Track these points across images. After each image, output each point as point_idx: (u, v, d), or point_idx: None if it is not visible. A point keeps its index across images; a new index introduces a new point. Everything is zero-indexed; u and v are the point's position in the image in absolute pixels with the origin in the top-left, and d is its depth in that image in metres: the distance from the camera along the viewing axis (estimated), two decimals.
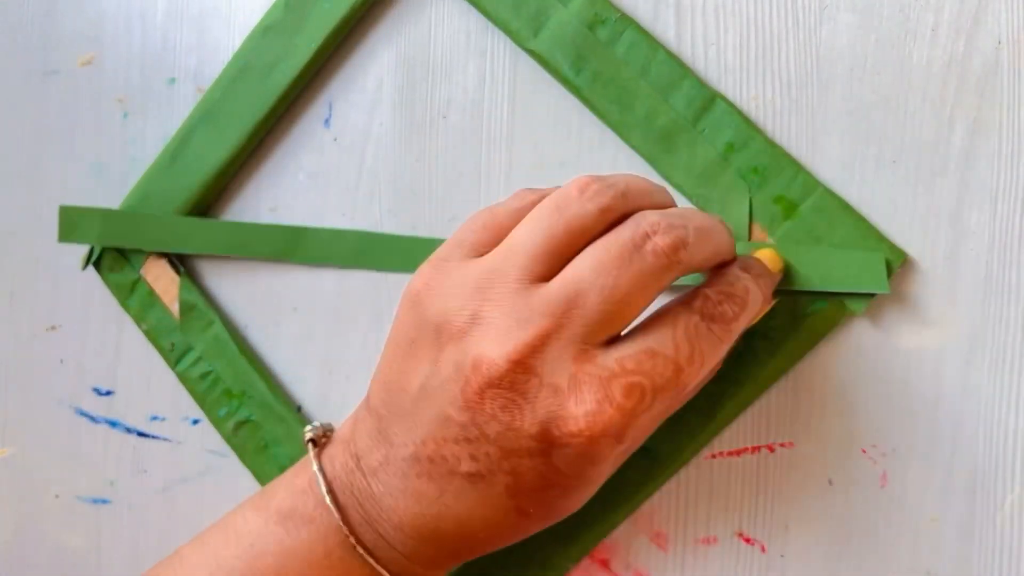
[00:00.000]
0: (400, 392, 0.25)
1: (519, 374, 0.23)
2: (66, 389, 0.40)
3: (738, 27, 0.31)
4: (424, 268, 0.26)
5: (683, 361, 0.24)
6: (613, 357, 0.23)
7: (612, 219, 0.25)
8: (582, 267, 0.24)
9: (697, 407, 0.30)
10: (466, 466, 0.24)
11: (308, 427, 0.28)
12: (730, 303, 0.25)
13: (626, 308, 0.24)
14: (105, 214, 0.37)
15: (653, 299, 0.24)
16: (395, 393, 0.26)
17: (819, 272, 0.29)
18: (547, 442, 0.23)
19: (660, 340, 0.24)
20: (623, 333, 0.25)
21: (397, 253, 0.34)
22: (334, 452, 0.27)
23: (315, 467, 0.27)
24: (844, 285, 0.29)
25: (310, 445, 0.28)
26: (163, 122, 0.38)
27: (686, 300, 0.25)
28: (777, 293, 0.30)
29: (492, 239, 0.26)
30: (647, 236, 0.24)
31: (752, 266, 0.27)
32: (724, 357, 0.26)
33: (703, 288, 0.25)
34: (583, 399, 0.23)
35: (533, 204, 0.26)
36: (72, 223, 0.37)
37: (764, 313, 0.29)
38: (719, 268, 0.27)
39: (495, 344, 0.23)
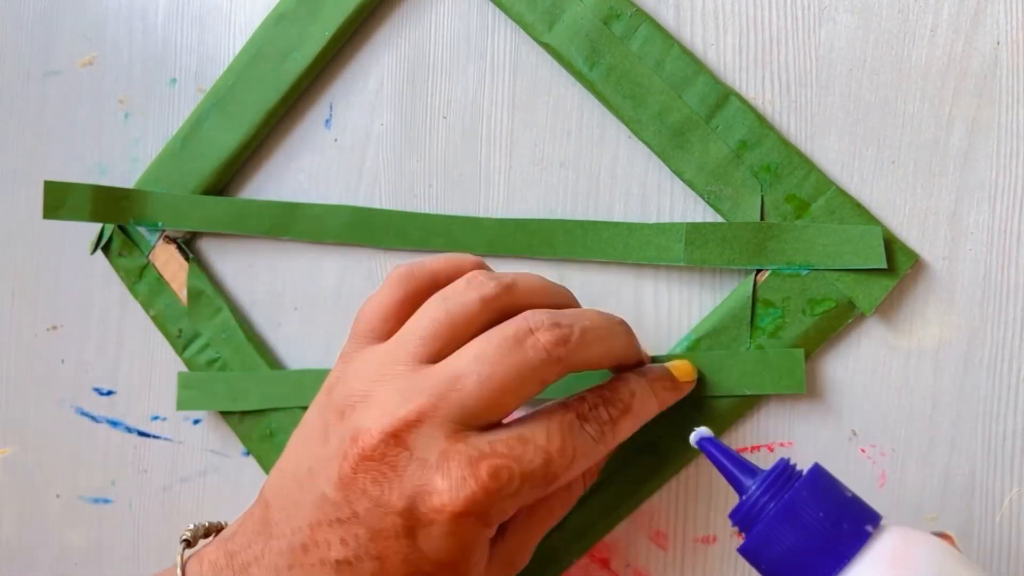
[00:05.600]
0: (291, 478, 0.26)
1: (391, 447, 0.24)
2: (67, 389, 0.40)
3: (737, 28, 0.31)
4: (337, 361, 0.27)
5: (554, 452, 0.24)
6: (486, 439, 0.24)
7: (496, 308, 0.26)
8: (466, 354, 0.25)
9: (702, 406, 0.30)
10: (336, 552, 0.24)
11: (187, 527, 0.29)
12: (608, 407, 0.26)
13: (503, 396, 0.24)
14: (97, 189, 0.36)
15: (533, 392, 0.25)
16: (287, 478, 0.26)
17: (815, 249, 0.29)
18: (413, 519, 0.23)
19: (533, 429, 0.24)
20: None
21: (391, 228, 0.34)
22: (207, 551, 0.26)
23: (178, 571, 0.26)
24: (841, 261, 0.29)
25: (181, 546, 0.28)
26: (164, 122, 0.38)
27: (566, 400, 0.26)
28: (780, 276, 0.30)
29: (394, 327, 0.27)
30: (530, 331, 0.25)
31: (652, 372, 0.28)
32: (606, 456, 0.27)
33: (585, 391, 0.27)
34: (449, 474, 0.23)
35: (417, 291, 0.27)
36: (59, 199, 0.36)
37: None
38: (618, 370, 0.28)
39: (374, 418, 0.24)
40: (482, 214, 0.34)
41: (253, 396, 0.35)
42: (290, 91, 0.35)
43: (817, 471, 0.23)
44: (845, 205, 0.29)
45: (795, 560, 0.22)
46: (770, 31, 0.31)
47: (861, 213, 0.29)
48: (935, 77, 0.29)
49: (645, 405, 0.27)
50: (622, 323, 0.28)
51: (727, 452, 0.25)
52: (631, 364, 0.29)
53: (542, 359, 0.24)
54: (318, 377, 0.35)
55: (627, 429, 0.27)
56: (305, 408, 0.35)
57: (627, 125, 0.32)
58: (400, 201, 0.35)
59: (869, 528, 0.22)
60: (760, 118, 0.30)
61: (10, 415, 0.41)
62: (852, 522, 0.22)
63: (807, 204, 0.30)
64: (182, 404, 0.36)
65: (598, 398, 0.26)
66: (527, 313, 0.26)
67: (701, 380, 0.30)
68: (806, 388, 0.30)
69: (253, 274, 0.37)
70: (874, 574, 0.21)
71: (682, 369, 0.30)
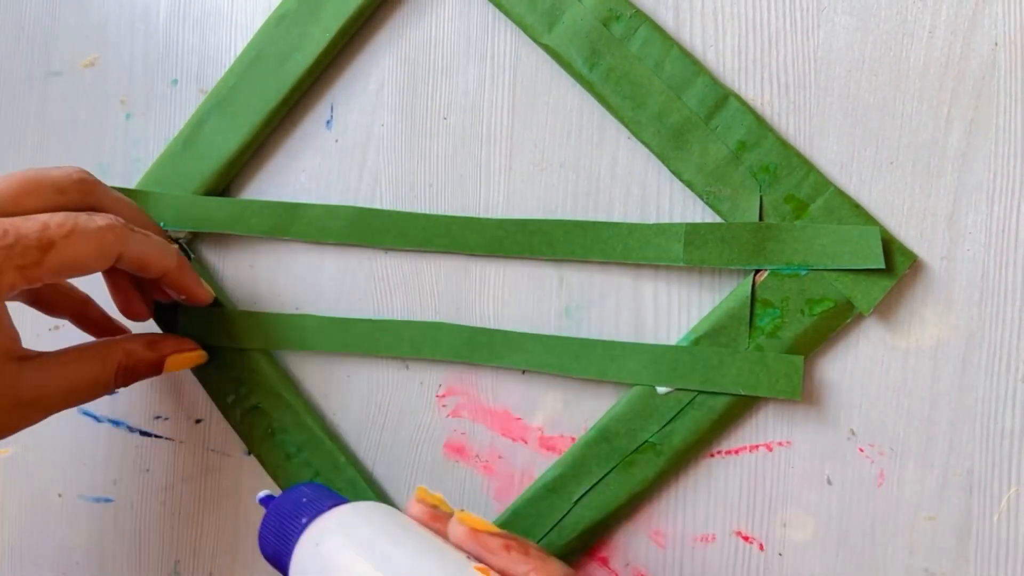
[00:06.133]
0: None
1: None
2: None
3: (736, 29, 0.31)
4: None
5: (52, 224, 0.28)
6: None
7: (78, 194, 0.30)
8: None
9: (706, 405, 0.30)
10: None
11: None
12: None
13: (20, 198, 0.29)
14: None
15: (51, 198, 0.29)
16: None
17: (814, 249, 0.29)
18: None
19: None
20: None
21: (391, 229, 0.35)
22: None
23: None
24: (839, 262, 0.29)
25: None
26: (166, 123, 0.38)
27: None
28: (779, 276, 0.30)
29: None
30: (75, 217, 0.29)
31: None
32: None
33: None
34: None
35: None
36: None
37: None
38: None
39: None
40: (482, 214, 0.34)
41: (255, 336, 0.36)
42: (291, 92, 0.35)
43: (294, 489, 0.29)
44: (843, 205, 0.29)
45: (276, 557, 0.28)
46: (769, 32, 0.31)
47: (859, 213, 0.29)
48: (933, 78, 0.29)
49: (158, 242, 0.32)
50: (175, 254, 0.32)
51: (278, 498, 0.30)
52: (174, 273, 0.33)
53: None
54: (320, 323, 0.35)
55: (135, 224, 0.31)
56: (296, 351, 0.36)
57: (627, 126, 0.32)
58: (400, 201, 0.35)
59: (304, 520, 0.28)
60: (759, 119, 0.30)
61: None
62: (296, 519, 0.28)
63: (806, 204, 0.30)
64: (183, 329, 0.37)
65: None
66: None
67: (697, 375, 0.30)
68: (801, 395, 0.30)
69: (254, 274, 0.37)
70: (299, 554, 0.27)
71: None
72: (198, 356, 0.35)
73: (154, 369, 0.34)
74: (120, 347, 0.33)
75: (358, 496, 0.34)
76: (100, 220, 0.29)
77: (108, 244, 0.29)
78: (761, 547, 0.31)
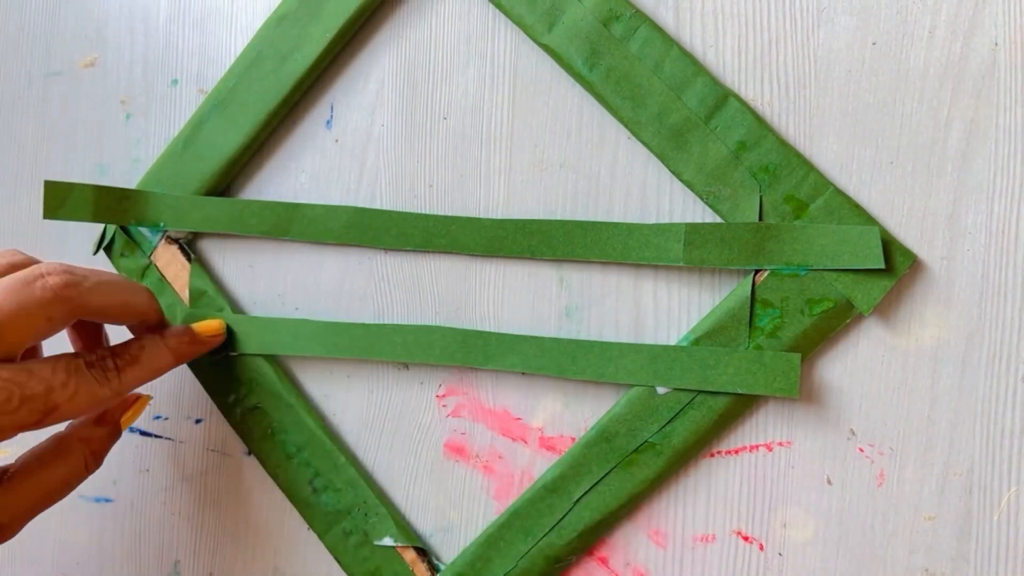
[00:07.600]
0: None
1: None
2: None
3: (736, 29, 0.31)
4: None
5: (56, 384, 0.28)
6: None
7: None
8: None
9: (706, 405, 0.30)
10: None
11: None
12: (115, 358, 0.31)
13: (6, 329, 0.28)
14: (98, 189, 0.36)
15: (41, 327, 0.28)
16: None
17: (814, 249, 0.29)
18: None
19: (40, 365, 0.29)
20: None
21: (391, 229, 0.35)
22: None
23: None
24: (839, 262, 0.29)
25: None
26: (166, 123, 0.38)
27: (78, 351, 0.31)
28: (778, 276, 0.30)
29: None
30: (41, 275, 0.28)
31: (171, 330, 0.33)
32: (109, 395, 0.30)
33: (99, 348, 0.31)
34: None
35: None
36: (59, 199, 0.36)
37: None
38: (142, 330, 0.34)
39: None
40: (482, 214, 0.34)
41: (250, 341, 0.36)
42: (291, 92, 0.35)
43: None
44: (843, 205, 0.29)
45: None
46: (769, 32, 0.31)
47: (859, 213, 0.29)
48: (933, 78, 0.29)
49: (155, 356, 0.32)
50: (146, 288, 0.33)
51: None
52: (154, 323, 0.33)
53: (48, 297, 0.28)
54: (316, 328, 0.35)
55: (135, 377, 0.31)
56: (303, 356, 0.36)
57: (626, 126, 0.32)
58: (400, 201, 0.35)
59: None
60: (759, 119, 0.30)
61: None
62: None
63: (806, 204, 0.30)
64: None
65: (107, 351, 0.31)
66: (44, 263, 0.29)
67: (695, 375, 0.30)
68: (799, 393, 0.30)
69: (254, 274, 0.37)
70: None
71: (208, 326, 0.35)
72: (143, 402, 0.34)
73: (114, 438, 0.34)
74: (75, 437, 0.33)
75: (358, 496, 0.34)
76: (101, 388, 0.30)
77: (105, 401, 0.30)
78: (761, 547, 0.31)
